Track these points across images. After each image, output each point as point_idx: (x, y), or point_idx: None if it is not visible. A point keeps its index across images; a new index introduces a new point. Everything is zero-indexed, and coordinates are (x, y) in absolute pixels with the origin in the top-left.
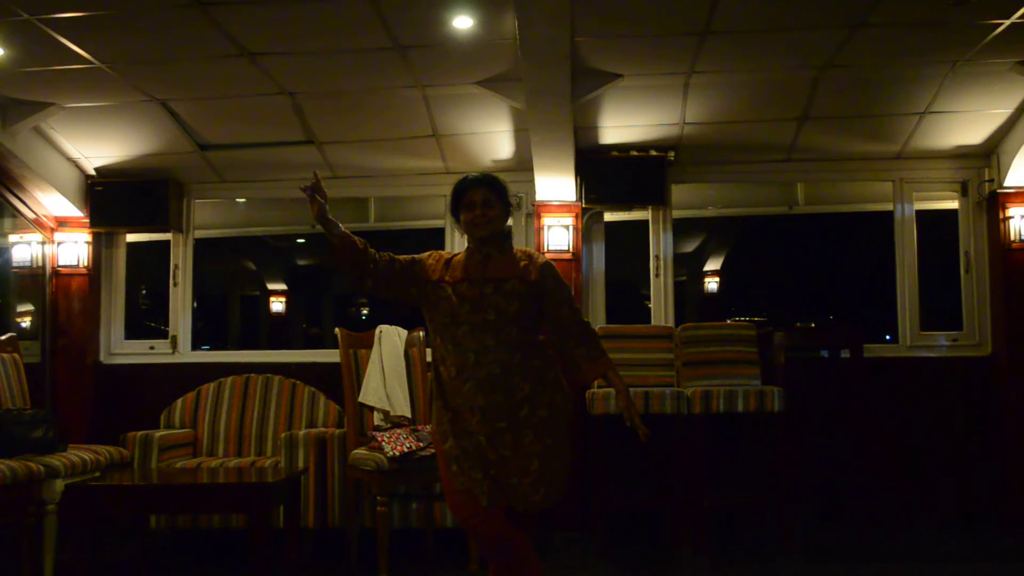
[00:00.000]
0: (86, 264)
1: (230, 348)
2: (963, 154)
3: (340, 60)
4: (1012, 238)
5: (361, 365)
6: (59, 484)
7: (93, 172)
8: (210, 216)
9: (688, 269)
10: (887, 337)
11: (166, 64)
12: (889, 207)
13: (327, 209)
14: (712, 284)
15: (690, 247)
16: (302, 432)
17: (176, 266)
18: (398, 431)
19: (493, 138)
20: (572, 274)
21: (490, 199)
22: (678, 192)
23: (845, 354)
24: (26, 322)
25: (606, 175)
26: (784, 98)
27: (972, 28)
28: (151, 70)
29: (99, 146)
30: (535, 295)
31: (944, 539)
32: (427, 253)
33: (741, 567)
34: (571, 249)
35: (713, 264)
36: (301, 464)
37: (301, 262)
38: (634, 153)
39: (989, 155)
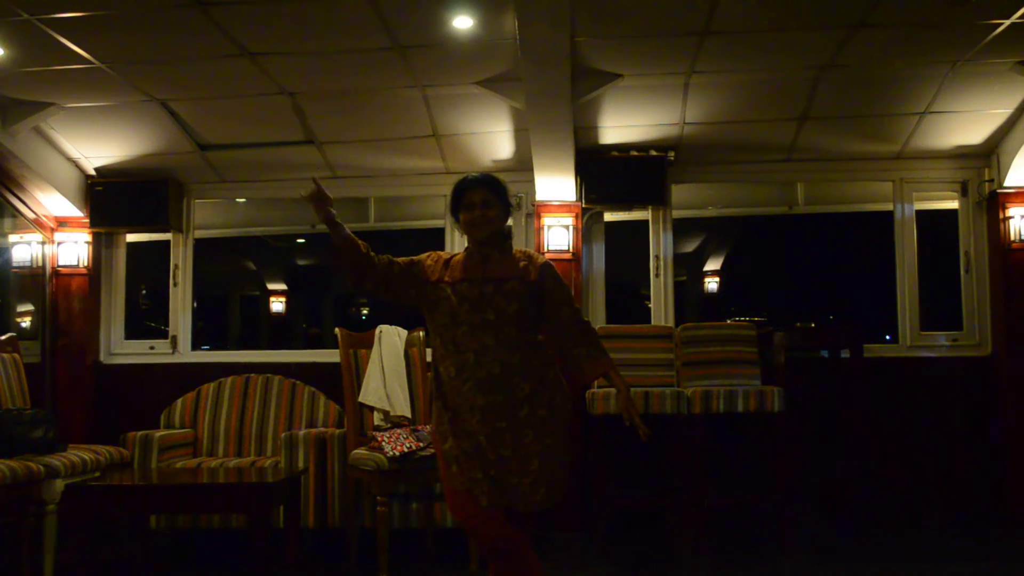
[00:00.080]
0: (86, 264)
1: (230, 348)
2: (963, 154)
3: (340, 60)
4: (1012, 238)
5: (361, 365)
6: (59, 484)
7: (93, 172)
8: (210, 216)
9: (688, 269)
10: (887, 337)
11: (166, 64)
12: (889, 207)
13: (334, 213)
14: (712, 284)
15: (690, 247)
16: (302, 432)
17: (176, 266)
18: (398, 431)
19: (493, 138)
20: (572, 274)
21: (490, 199)
22: (678, 192)
23: (845, 354)
24: (26, 322)
25: (606, 175)
26: (784, 98)
27: (972, 28)
28: (151, 70)
29: (99, 146)
30: (535, 295)
31: (944, 539)
32: (426, 254)
33: (741, 567)
34: (571, 249)
35: (713, 264)
36: (301, 464)
37: (301, 262)
38: (634, 153)
39: (989, 155)
